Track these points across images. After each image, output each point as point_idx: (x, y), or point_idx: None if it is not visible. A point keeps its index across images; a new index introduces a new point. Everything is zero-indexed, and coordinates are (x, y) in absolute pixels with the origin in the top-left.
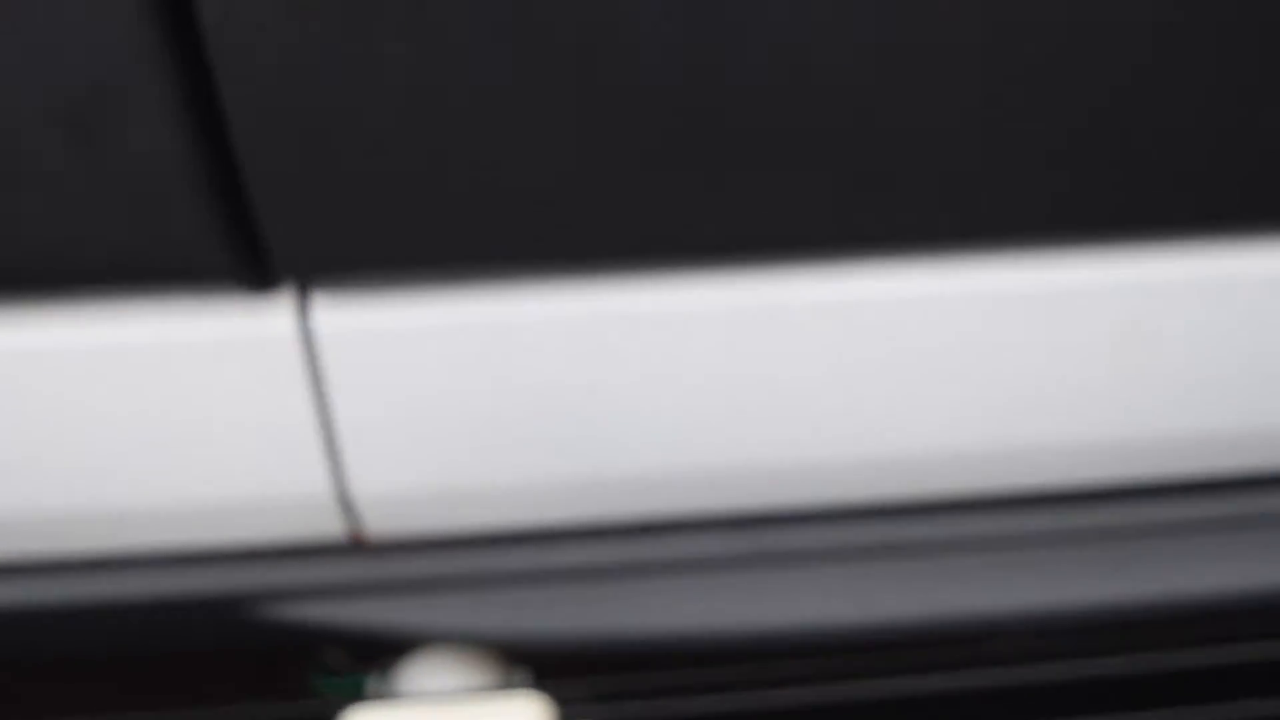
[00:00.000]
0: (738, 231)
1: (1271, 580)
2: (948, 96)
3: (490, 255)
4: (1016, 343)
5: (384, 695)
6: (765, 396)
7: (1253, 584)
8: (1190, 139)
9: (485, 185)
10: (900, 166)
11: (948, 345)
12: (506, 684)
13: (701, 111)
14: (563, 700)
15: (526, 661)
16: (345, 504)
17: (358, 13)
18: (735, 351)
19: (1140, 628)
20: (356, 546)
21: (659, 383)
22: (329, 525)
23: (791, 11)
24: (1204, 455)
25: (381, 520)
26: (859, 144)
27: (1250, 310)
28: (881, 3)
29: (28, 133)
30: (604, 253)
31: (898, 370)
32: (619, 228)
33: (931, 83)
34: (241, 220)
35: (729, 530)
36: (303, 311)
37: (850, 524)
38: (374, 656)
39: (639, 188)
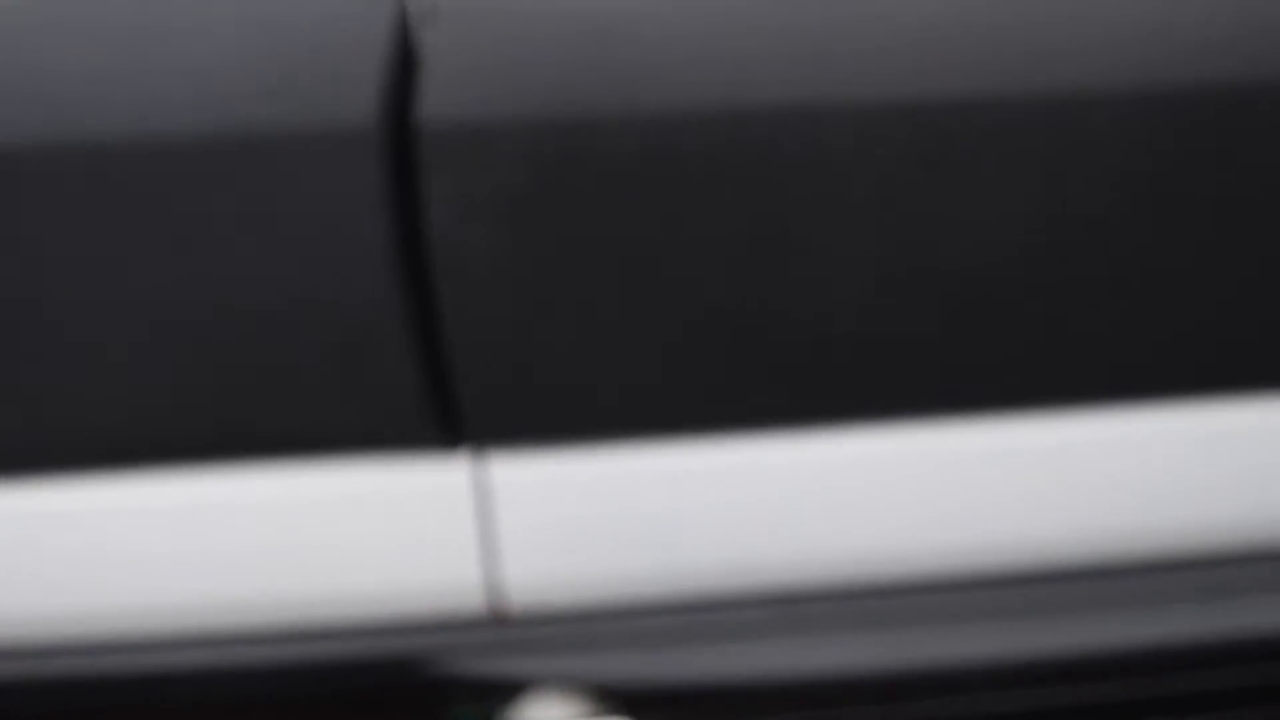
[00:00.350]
0: (789, 404)
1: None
2: (953, 314)
3: (628, 425)
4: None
5: None
6: (833, 525)
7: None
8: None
9: (629, 381)
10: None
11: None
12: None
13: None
14: None
15: (628, 704)
16: (494, 589)
17: (557, 263)
18: (800, 490)
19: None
20: (498, 619)
21: (742, 508)
22: (476, 603)
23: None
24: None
25: (523, 600)
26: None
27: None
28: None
29: (284, 340)
30: (710, 421)
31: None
32: (719, 405)
33: (945, 301)
34: (442, 398)
35: (804, 599)
36: (479, 465)
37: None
38: (502, 696)
39: (732, 375)
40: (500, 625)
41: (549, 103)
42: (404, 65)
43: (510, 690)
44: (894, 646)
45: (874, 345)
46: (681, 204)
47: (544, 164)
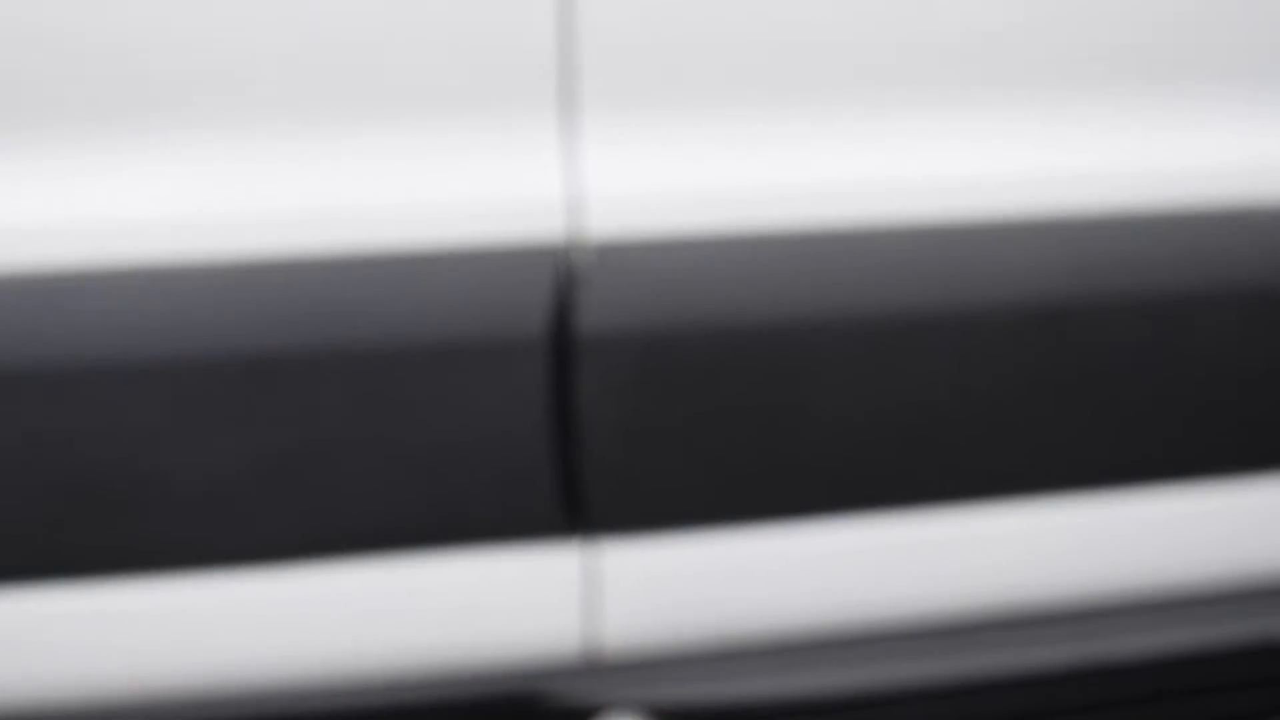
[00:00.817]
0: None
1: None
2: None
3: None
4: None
5: None
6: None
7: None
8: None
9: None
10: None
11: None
12: None
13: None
14: None
15: None
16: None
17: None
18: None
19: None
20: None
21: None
22: (571, 647)
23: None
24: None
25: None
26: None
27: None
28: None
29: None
30: (790, 509)
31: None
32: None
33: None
34: (576, 498)
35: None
36: (590, 551)
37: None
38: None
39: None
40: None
41: (682, 318)
42: (566, 290)
43: (586, 713)
44: (921, 677)
45: (890, 449)
46: (761, 384)
47: (676, 356)
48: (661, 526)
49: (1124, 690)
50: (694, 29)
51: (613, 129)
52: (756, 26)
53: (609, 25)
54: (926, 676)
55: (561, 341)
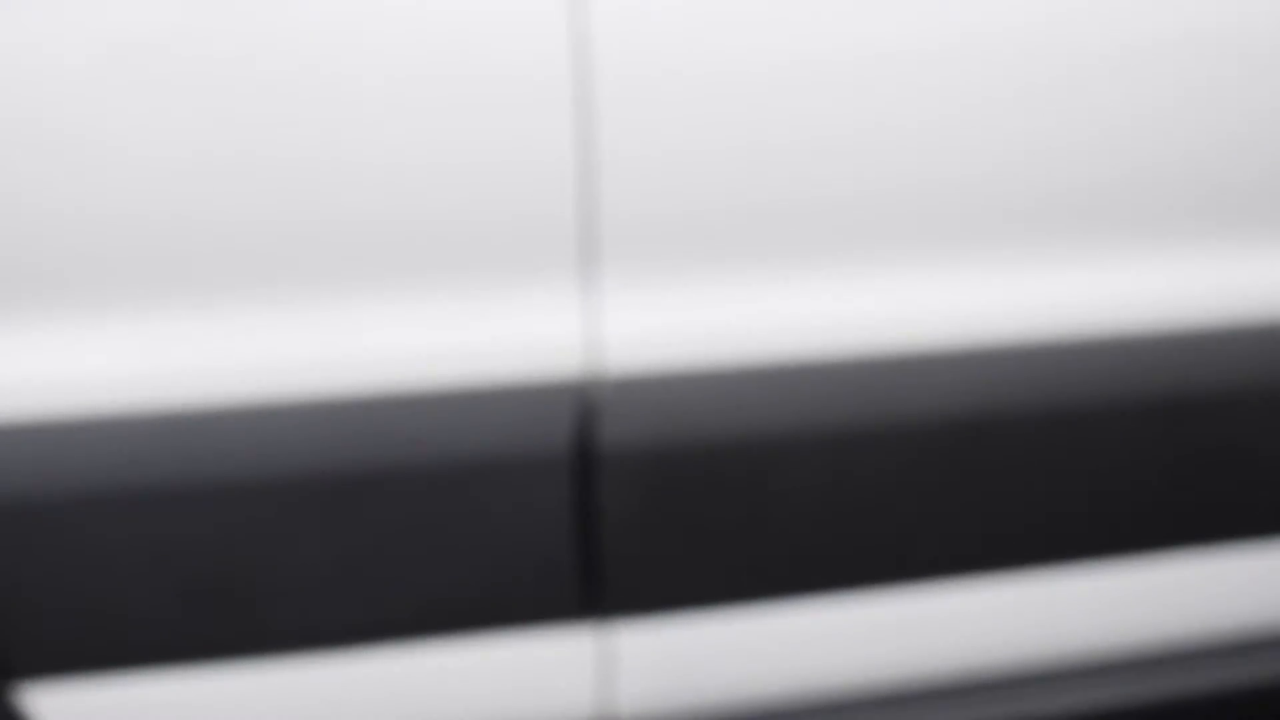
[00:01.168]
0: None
1: None
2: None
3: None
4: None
5: None
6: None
7: None
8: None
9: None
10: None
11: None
12: None
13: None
14: None
15: None
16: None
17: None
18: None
19: None
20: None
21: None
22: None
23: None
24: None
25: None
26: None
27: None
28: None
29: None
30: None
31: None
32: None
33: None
34: (595, 590)
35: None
36: (605, 631)
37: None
38: None
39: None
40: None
41: (692, 434)
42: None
43: None
44: None
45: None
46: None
47: (683, 467)
48: (672, 609)
49: None
50: (696, 196)
51: (626, 283)
52: (757, 192)
53: (626, 194)
54: None
55: (583, 457)
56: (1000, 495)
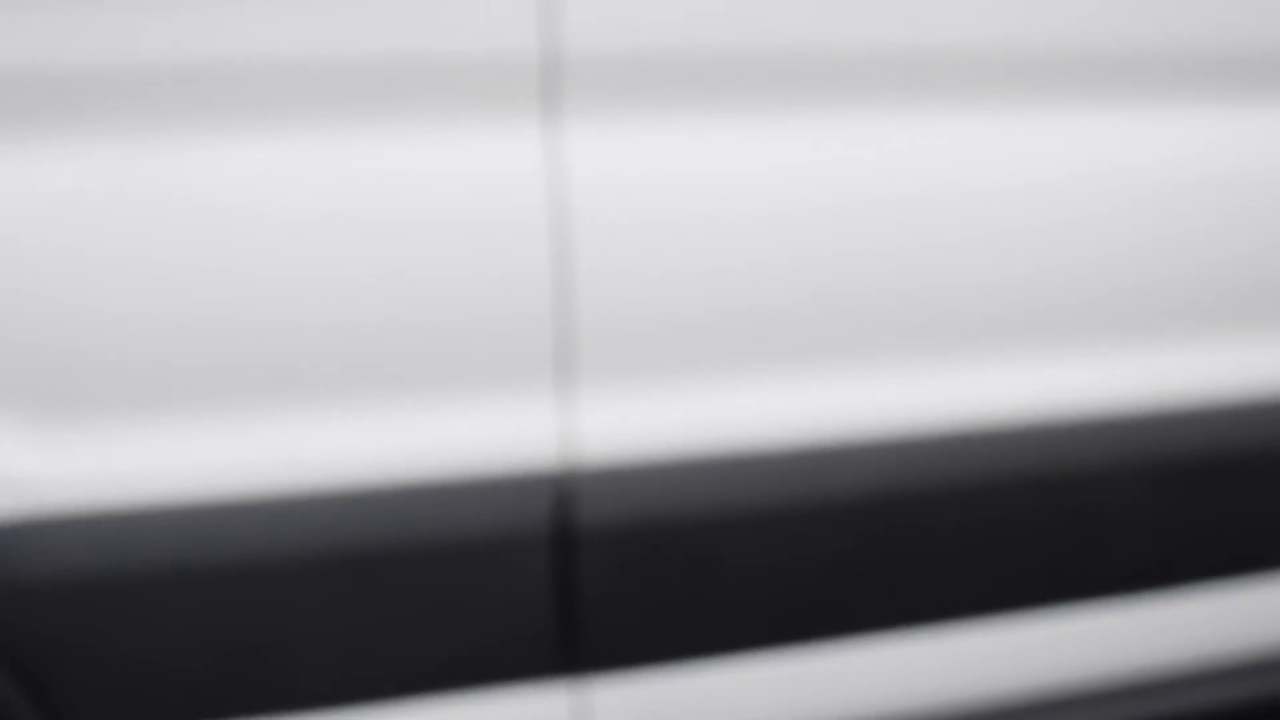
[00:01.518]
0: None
1: None
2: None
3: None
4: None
5: None
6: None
7: None
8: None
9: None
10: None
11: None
12: None
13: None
14: None
15: None
16: None
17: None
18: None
19: None
20: None
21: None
22: None
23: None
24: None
25: None
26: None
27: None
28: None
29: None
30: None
31: None
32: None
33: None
34: (576, 653)
35: None
36: (580, 689)
37: None
38: None
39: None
40: None
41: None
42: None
43: None
44: None
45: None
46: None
47: (656, 542)
48: (643, 668)
49: None
50: (664, 307)
51: (600, 381)
52: (721, 302)
53: (600, 307)
54: None
55: (561, 537)
56: (931, 562)
